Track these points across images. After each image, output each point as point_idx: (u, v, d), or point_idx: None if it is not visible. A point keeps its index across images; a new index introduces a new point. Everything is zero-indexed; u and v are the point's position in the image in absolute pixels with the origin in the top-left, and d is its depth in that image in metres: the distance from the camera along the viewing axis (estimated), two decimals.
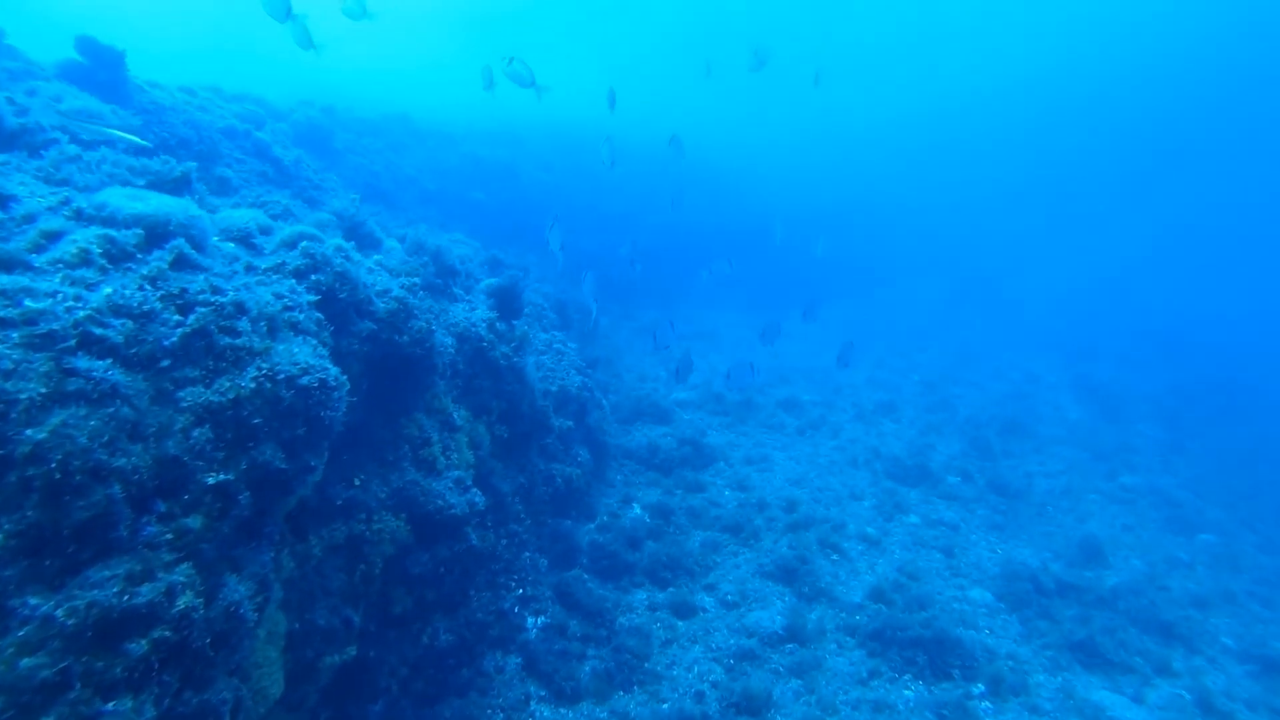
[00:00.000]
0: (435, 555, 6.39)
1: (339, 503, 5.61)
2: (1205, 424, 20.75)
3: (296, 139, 14.72)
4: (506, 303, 8.75)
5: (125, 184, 4.81)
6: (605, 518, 10.86)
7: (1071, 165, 62.41)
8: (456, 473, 6.70)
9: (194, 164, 5.26)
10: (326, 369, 4.14)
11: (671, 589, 9.58)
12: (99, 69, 7.95)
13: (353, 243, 7.53)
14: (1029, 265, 37.69)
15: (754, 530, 11.06)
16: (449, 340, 7.05)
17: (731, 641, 8.83)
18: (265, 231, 5.60)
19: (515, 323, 8.90)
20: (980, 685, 8.61)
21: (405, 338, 6.08)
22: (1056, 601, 10.68)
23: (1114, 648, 9.67)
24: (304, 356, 4.08)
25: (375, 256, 7.50)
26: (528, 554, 8.52)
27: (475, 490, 6.73)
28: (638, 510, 11.25)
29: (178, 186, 4.97)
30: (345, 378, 4.32)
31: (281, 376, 3.86)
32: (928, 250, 36.05)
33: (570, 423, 10.42)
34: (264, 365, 3.80)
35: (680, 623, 9.09)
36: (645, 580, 9.69)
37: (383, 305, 5.93)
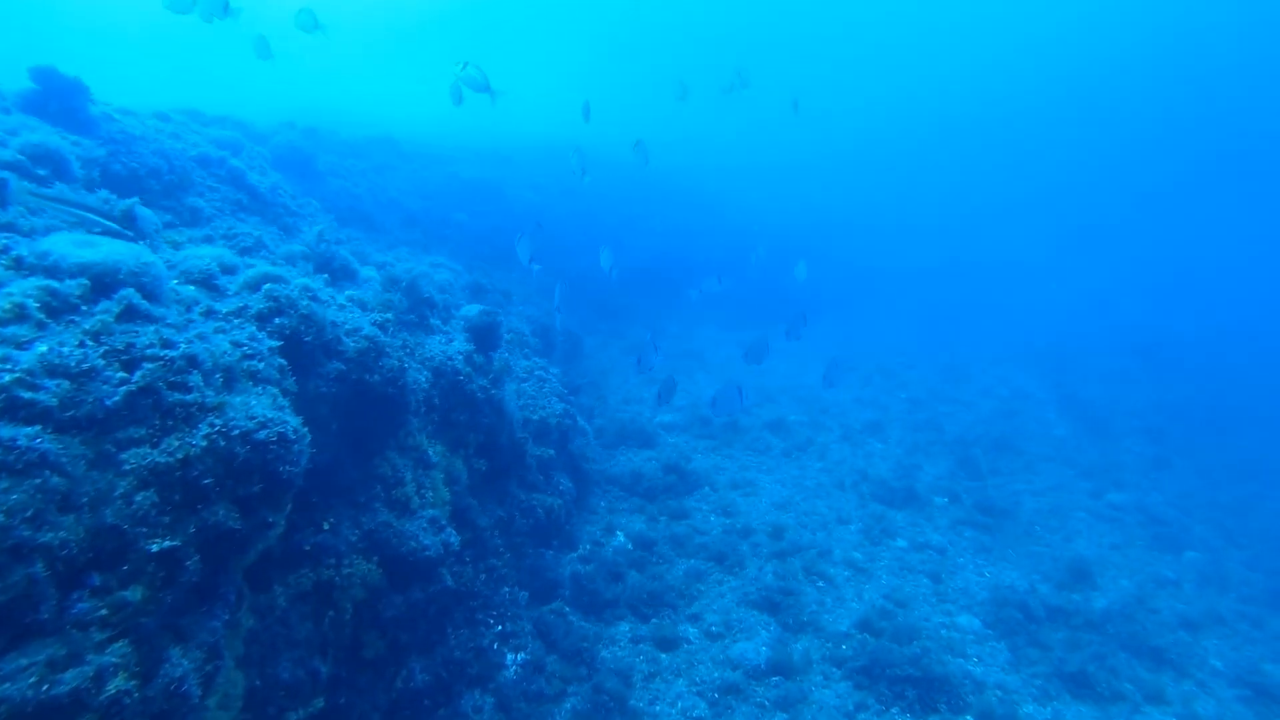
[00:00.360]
0: (409, 598, 6.21)
1: (307, 548, 5.44)
2: (1191, 440, 20.76)
3: (277, 162, 14.59)
4: (485, 336, 8.60)
5: (77, 227, 4.65)
6: (588, 547, 10.69)
7: (1058, 180, 62.98)
8: (431, 512, 6.53)
9: (136, 199, 5.05)
10: (285, 422, 3.98)
11: (655, 620, 9.41)
12: (58, 98, 7.79)
13: (325, 276, 7.41)
14: (1016, 279, 37.84)
15: (739, 558, 10.91)
16: (423, 376, 6.90)
17: (715, 674, 8.66)
18: (229, 271, 5.44)
19: (494, 354, 8.76)
20: (969, 717, 8.46)
21: (376, 377, 5.93)
22: (1045, 627, 10.56)
23: (1104, 675, 9.54)
24: (261, 409, 3.92)
25: (349, 291, 7.36)
26: (507, 589, 8.34)
27: (450, 530, 6.56)
28: (621, 539, 11.08)
29: (122, 226, 4.79)
30: (306, 429, 4.16)
31: (236, 432, 3.70)
32: (915, 264, 36.16)
33: (552, 451, 10.26)
34: (217, 421, 3.64)
35: (664, 655, 8.92)
36: (628, 612, 9.52)
37: (352, 345, 5.78)
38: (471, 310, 11.71)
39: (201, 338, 3.99)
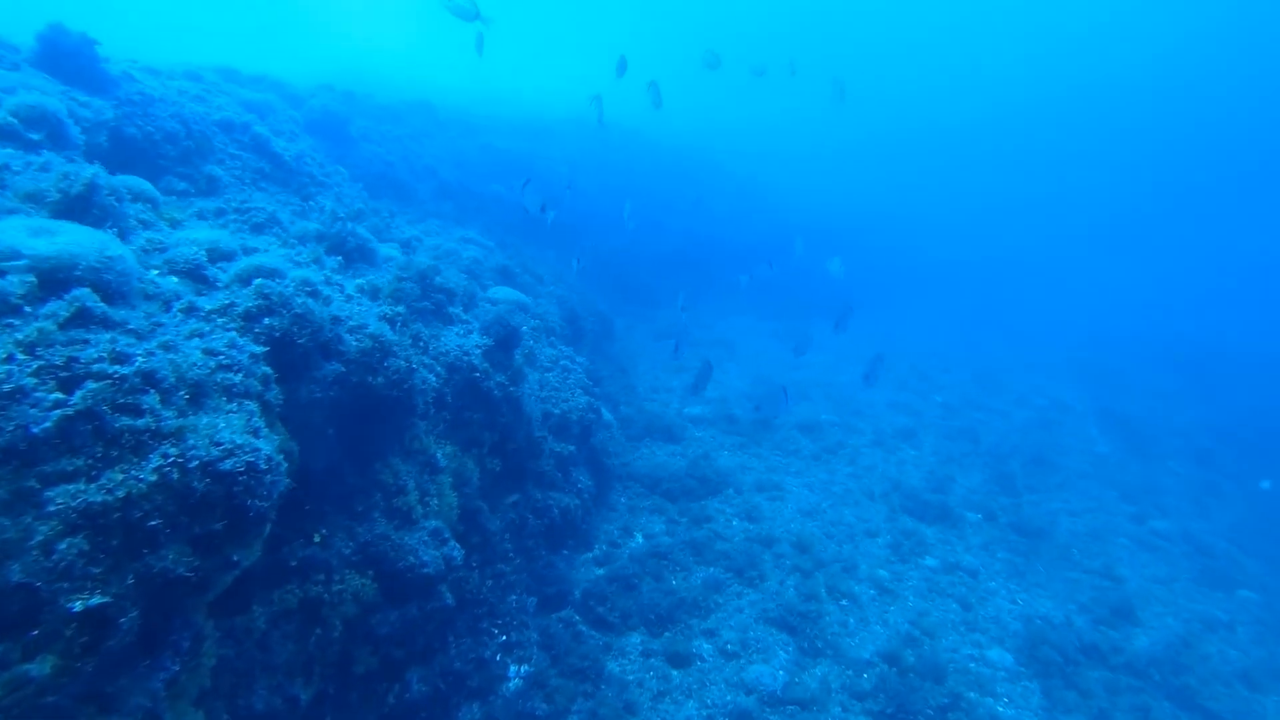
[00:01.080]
0: (405, 614, 5.73)
1: (293, 563, 4.96)
2: (1240, 464, 19.66)
3: (310, 126, 14.10)
4: (506, 336, 8.02)
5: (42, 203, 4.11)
6: (604, 548, 10.19)
7: (1108, 182, 60.48)
8: (434, 523, 6.02)
9: (97, 169, 4.45)
10: (257, 449, 3.44)
11: (668, 634, 8.88)
12: (70, 57, 7.29)
13: (338, 259, 6.87)
14: (1055, 280, 36.38)
15: (760, 570, 10.33)
16: (432, 377, 6.35)
17: (728, 698, 8.12)
18: (225, 258, 4.92)
19: (514, 350, 8.19)
20: None
21: (380, 379, 5.40)
22: (1083, 668, 9.86)
23: None
24: (231, 433, 3.39)
25: (362, 278, 6.82)
26: (514, 596, 7.86)
27: (453, 543, 6.04)
28: (639, 540, 10.56)
29: (84, 208, 4.24)
30: (281, 457, 3.63)
31: (195, 463, 3.17)
32: (955, 265, 34.86)
33: (573, 447, 9.73)
34: (173, 450, 3.12)
35: (675, 672, 8.40)
36: (640, 623, 8.99)
37: (355, 344, 5.24)
38: (498, 296, 11.18)
39: (167, 347, 3.46)
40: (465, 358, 7.27)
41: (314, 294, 4.92)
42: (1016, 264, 37.72)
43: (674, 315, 21.21)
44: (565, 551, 9.66)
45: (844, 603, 10.11)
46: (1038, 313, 30.97)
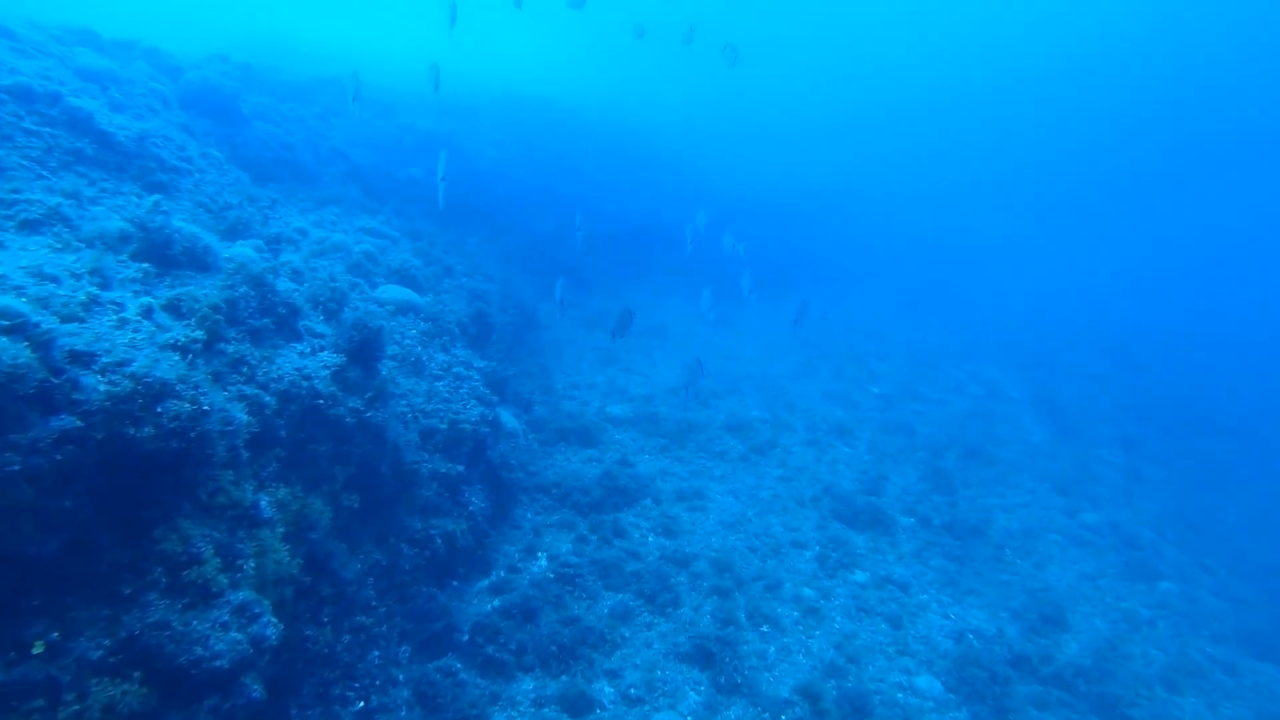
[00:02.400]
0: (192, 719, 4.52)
1: None
2: (1161, 447, 19.49)
3: (186, 101, 12.46)
4: (363, 346, 6.75)
5: None
6: (502, 574, 9.06)
7: (1050, 167, 60.79)
8: (242, 594, 4.81)
9: None
10: None
11: (566, 677, 7.81)
12: None
13: (143, 267, 5.53)
14: (994, 267, 36.16)
15: (674, 594, 9.32)
16: (243, 415, 5.10)
17: None
18: None
19: (376, 365, 6.95)
20: None
21: (147, 430, 4.14)
22: (1014, 684, 9.15)
23: None
24: None
25: (184, 288, 5.51)
26: (378, 652, 6.69)
27: (267, 618, 4.84)
28: (542, 563, 9.45)
29: None
30: None
31: None
32: (891, 247, 34.28)
33: (461, 466, 8.53)
34: None
35: None
36: (536, 663, 7.90)
37: (102, 389, 3.97)
38: (386, 296, 9.87)
39: None
40: (306, 383, 6.01)
41: (29, 328, 3.63)
42: (959, 246, 37.39)
43: (606, 301, 20.04)
44: (455, 583, 8.52)
45: (765, 629, 9.18)
46: (978, 294, 30.62)
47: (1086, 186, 57.40)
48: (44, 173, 6.77)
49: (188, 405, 4.42)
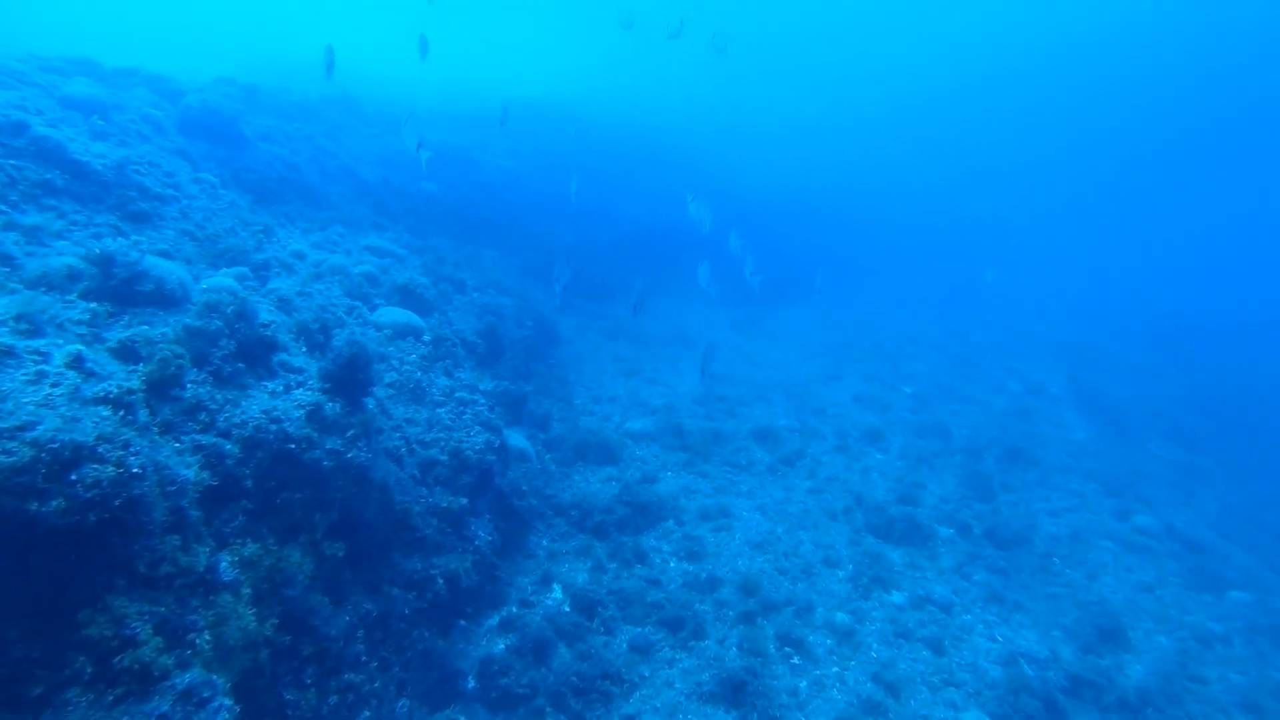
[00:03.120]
0: None
1: None
2: (1224, 441, 18.12)
3: (185, 126, 12.07)
4: (347, 378, 6.14)
5: None
6: (514, 609, 8.41)
7: (1080, 155, 58.39)
8: (191, 675, 4.19)
9: None
10: None
11: None
12: None
13: (91, 307, 4.98)
14: (1036, 259, 34.59)
15: (698, 623, 8.58)
16: (189, 471, 4.50)
17: None
18: None
19: (364, 399, 6.33)
20: None
21: (56, 503, 3.55)
22: (1073, 718, 8.24)
23: None
24: None
25: (142, 327, 4.95)
26: (368, 712, 6.06)
27: (220, 700, 4.23)
28: (557, 595, 8.78)
29: None
30: None
31: None
32: (932, 242, 32.98)
33: (464, 499, 7.90)
34: None
35: None
36: (549, 707, 7.25)
37: None
38: (385, 319, 9.29)
39: None
40: (275, 426, 5.41)
41: None
42: (993, 239, 35.91)
43: (628, 311, 19.34)
44: (462, 622, 7.89)
45: (795, 660, 8.39)
46: (1013, 289, 29.26)
47: (1132, 171, 54.99)
48: (4, 207, 6.28)
49: (111, 469, 3.82)
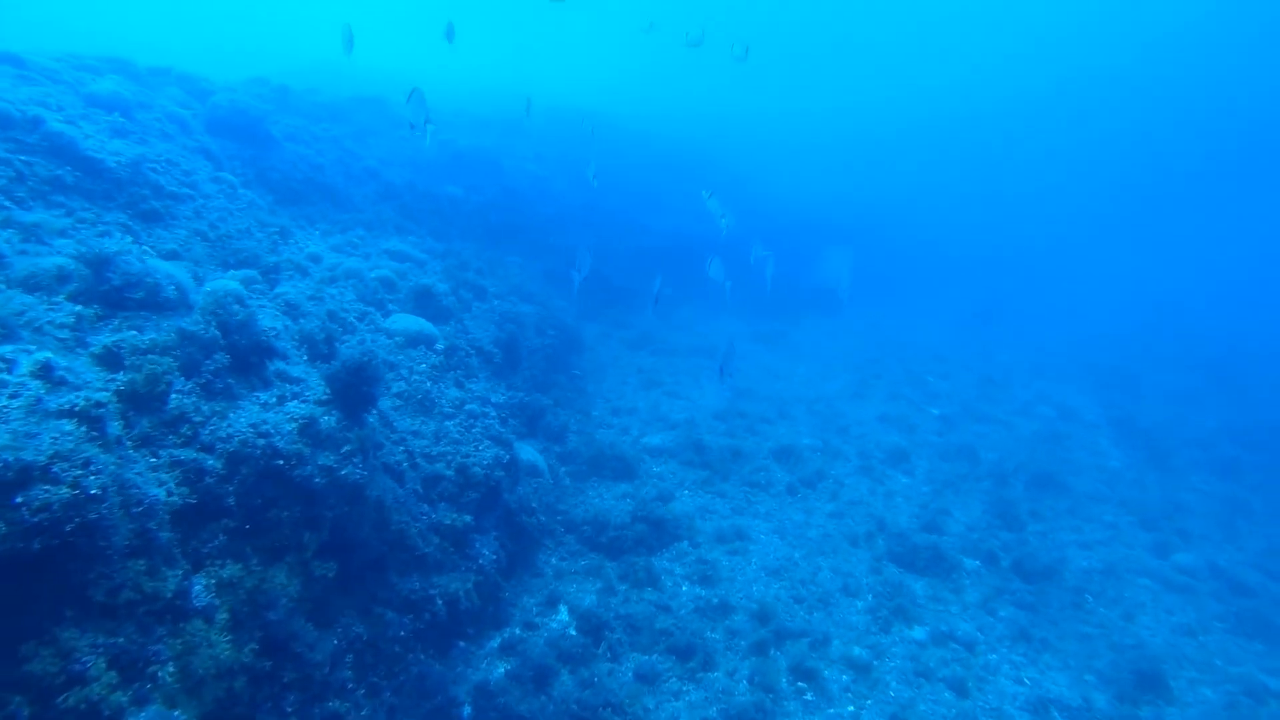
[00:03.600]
0: None
1: None
2: (1269, 475, 17.13)
3: (213, 126, 11.92)
4: (353, 387, 5.79)
5: None
6: (517, 630, 8.02)
7: (1113, 172, 56.69)
8: (149, 712, 3.86)
9: None
10: None
11: None
12: None
13: (76, 311, 4.68)
14: (1064, 280, 33.48)
15: (708, 653, 8.11)
16: (161, 491, 4.16)
17: None
18: None
19: (364, 414, 5.97)
20: None
21: None
22: None
23: None
24: None
25: (130, 333, 4.65)
26: None
27: None
28: (564, 617, 8.37)
29: None
30: None
31: None
32: (961, 260, 32.08)
33: (469, 517, 7.53)
34: None
35: None
36: None
37: None
38: (397, 326, 8.98)
39: None
40: (262, 441, 5.07)
41: None
42: (1024, 259, 34.85)
43: (653, 321, 18.95)
44: (462, 644, 7.51)
45: (809, 696, 7.87)
46: (1045, 310, 28.29)
47: (1172, 188, 53.27)
48: (7, 203, 6.05)
49: (65, 491, 3.49)
